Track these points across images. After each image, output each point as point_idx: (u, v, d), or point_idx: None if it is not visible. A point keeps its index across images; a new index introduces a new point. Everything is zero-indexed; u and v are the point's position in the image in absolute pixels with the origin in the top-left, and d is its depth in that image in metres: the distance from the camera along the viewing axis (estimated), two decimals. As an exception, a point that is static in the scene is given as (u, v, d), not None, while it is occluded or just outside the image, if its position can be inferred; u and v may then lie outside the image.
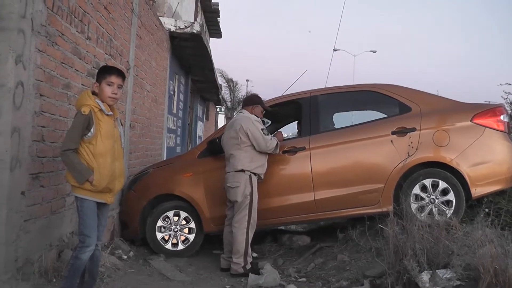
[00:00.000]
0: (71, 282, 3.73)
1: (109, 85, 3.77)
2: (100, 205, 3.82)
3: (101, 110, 3.71)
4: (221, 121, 37.76)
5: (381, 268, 4.61)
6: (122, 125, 4.11)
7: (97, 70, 3.98)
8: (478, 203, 5.61)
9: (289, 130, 8.00)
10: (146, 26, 8.06)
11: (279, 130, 6.26)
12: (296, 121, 7.42)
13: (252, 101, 6.03)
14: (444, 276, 4.02)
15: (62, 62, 4.37)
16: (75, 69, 4.72)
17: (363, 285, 4.63)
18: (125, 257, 5.86)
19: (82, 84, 4.88)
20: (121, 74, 3.87)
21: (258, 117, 5.87)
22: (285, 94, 6.76)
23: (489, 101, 6.39)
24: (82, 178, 3.61)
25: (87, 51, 5.02)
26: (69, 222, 4.80)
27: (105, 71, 3.84)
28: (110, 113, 3.80)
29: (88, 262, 3.79)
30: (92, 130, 3.64)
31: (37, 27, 3.82)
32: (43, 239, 4.23)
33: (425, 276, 4.05)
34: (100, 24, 5.41)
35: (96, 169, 3.64)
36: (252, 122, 5.68)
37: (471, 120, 5.84)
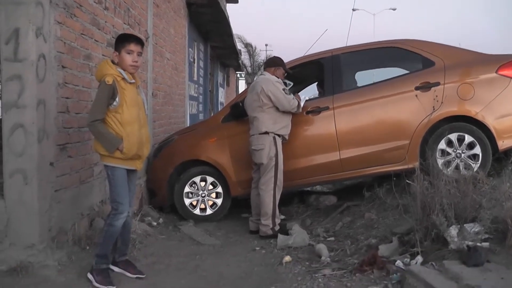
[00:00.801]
0: (106, 248, 3.83)
1: (128, 53, 3.75)
2: (129, 172, 3.87)
3: (123, 78, 3.72)
4: (242, 86, 37.66)
5: (408, 224, 4.60)
6: (143, 93, 4.12)
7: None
8: (505, 156, 5.54)
9: (310, 92, 7.93)
10: (163, -6, 8.00)
11: (297, 93, 6.24)
12: (316, 83, 7.37)
13: (274, 62, 5.98)
14: (472, 230, 3.99)
15: (81, 33, 4.38)
16: (95, 40, 4.73)
17: (392, 242, 4.63)
18: (155, 223, 5.96)
19: (102, 55, 4.90)
20: (140, 42, 3.85)
21: (279, 78, 5.83)
22: (306, 54, 6.69)
23: (515, 53, 6.21)
24: (112, 147, 3.66)
25: (105, 22, 5.02)
26: (98, 191, 4.89)
27: (123, 39, 3.82)
28: (133, 81, 3.80)
29: (120, 229, 3.86)
30: (117, 99, 3.66)
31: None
32: (74, 209, 4.32)
33: (453, 231, 4.02)
34: (116, -7, 5.39)
35: (125, 137, 3.67)
36: (272, 83, 5.64)
37: (496, 72, 5.70)
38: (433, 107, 5.61)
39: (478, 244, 3.86)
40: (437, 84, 5.74)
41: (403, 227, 4.80)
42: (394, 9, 40.09)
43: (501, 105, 5.62)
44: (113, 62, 3.79)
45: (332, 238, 5.49)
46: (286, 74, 5.99)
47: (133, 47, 3.78)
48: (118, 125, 3.68)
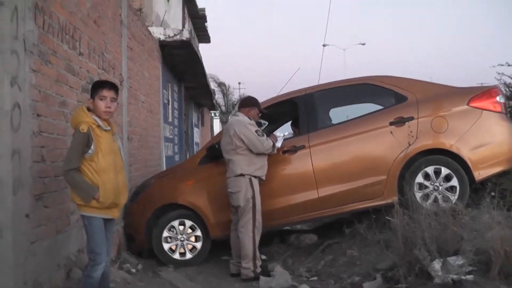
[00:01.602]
0: None
1: (101, 99, 3.74)
2: (106, 221, 3.80)
3: (99, 126, 3.68)
4: (217, 125, 37.75)
5: (391, 260, 4.61)
6: (120, 139, 4.08)
7: (91, 85, 3.95)
8: (482, 186, 5.62)
9: (286, 130, 7.99)
10: (136, 37, 8.04)
11: (272, 133, 6.28)
12: (290, 122, 7.43)
13: (249, 102, 6.01)
14: (456, 263, 4.02)
15: (56, 80, 4.34)
16: (70, 86, 4.70)
17: (376, 279, 4.62)
18: (134, 270, 5.83)
19: (77, 101, 4.85)
20: (113, 87, 3.84)
21: (253, 119, 5.85)
22: (279, 94, 6.75)
23: (482, 83, 6.39)
24: (88, 196, 3.60)
25: (80, 67, 4.99)
26: (75, 240, 4.77)
27: (96, 86, 3.82)
28: (108, 128, 3.77)
29: (99, 279, 3.76)
30: (92, 147, 3.61)
31: (30, 47, 3.79)
32: (50, 260, 4.20)
33: (437, 265, 4.05)
34: (91, 39, 5.38)
35: (101, 186, 3.62)
36: (245, 126, 5.65)
37: (467, 104, 5.84)
38: (408, 142, 5.68)
39: (463, 277, 3.88)
40: (411, 118, 5.84)
41: (386, 263, 4.80)
42: (363, 44, 40.97)
43: (475, 136, 5.74)
44: (88, 109, 3.76)
45: (315, 278, 5.47)
46: (260, 114, 6.02)
47: (105, 92, 3.76)
48: (93, 174, 3.62)
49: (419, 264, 4.13)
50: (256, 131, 5.67)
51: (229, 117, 33.90)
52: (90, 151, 3.61)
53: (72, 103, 4.73)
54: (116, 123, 6.31)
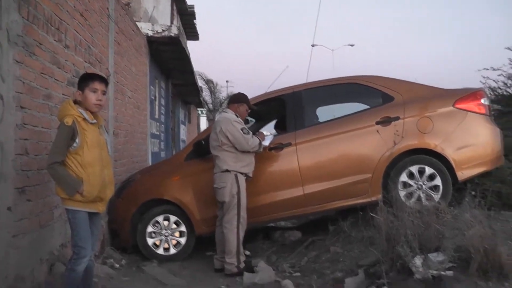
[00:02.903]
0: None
1: (93, 92, 3.71)
2: (92, 215, 3.78)
3: (84, 119, 3.66)
4: (204, 123, 37.68)
5: (374, 256, 4.65)
6: (107, 132, 4.06)
7: (77, 79, 3.92)
8: (465, 186, 5.69)
9: (272, 128, 8.03)
10: (124, 32, 8.00)
11: (260, 131, 6.28)
12: (274, 125, 7.46)
13: (238, 99, 6.01)
14: (436, 259, 4.09)
15: (41, 73, 4.31)
16: (55, 79, 4.66)
17: (358, 274, 4.66)
18: (118, 265, 5.82)
19: (63, 94, 4.82)
20: (104, 80, 3.83)
21: (242, 115, 5.86)
22: (267, 91, 6.76)
23: (468, 86, 6.46)
24: (72, 190, 3.57)
25: (66, 60, 4.96)
26: (59, 234, 4.74)
27: (88, 78, 3.78)
28: (94, 121, 3.75)
29: (82, 274, 3.74)
30: (77, 140, 3.58)
31: (14, 38, 3.75)
32: (33, 254, 4.17)
33: (418, 261, 4.11)
34: (77, 32, 5.35)
35: (85, 180, 3.59)
36: (231, 123, 5.65)
37: (453, 106, 5.91)
38: (394, 141, 5.73)
39: (443, 273, 3.96)
40: (397, 118, 5.88)
41: (369, 259, 4.86)
42: (352, 45, 40.94)
43: (459, 137, 5.81)
44: (75, 102, 3.73)
45: (298, 274, 5.49)
46: (250, 111, 6.03)
47: (97, 85, 3.74)
48: (78, 167, 3.60)
49: (401, 260, 4.18)
50: (242, 129, 5.67)
51: (217, 114, 33.92)
52: (75, 144, 3.58)
53: (57, 96, 4.70)
54: (102, 117, 6.28)
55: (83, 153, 3.60)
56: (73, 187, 3.57)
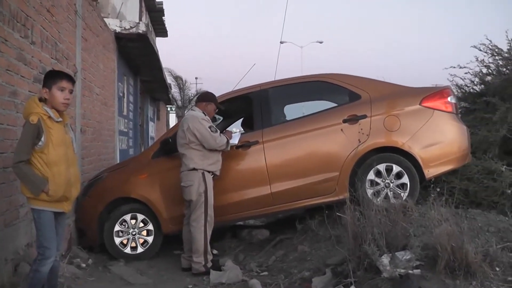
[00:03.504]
0: None
1: (61, 90, 3.66)
2: (57, 215, 3.73)
3: (50, 117, 3.61)
4: (173, 120, 37.39)
5: (341, 255, 4.68)
6: (72, 130, 4.02)
7: (43, 76, 3.87)
8: (432, 184, 5.78)
9: (240, 126, 8.05)
10: (91, 28, 7.90)
11: (227, 129, 6.27)
12: (241, 122, 7.47)
13: (206, 97, 6.00)
14: (404, 257, 4.11)
15: (7, 69, 4.25)
16: (21, 76, 4.60)
17: (325, 273, 4.70)
18: (84, 265, 5.76)
19: (29, 91, 4.75)
20: (71, 79, 3.78)
21: (210, 114, 5.86)
22: (235, 89, 6.76)
23: (436, 84, 6.57)
24: (37, 189, 3.53)
25: (32, 56, 4.89)
26: (24, 234, 4.68)
27: (55, 76, 3.73)
28: (60, 119, 3.70)
29: (47, 274, 3.69)
30: (42, 139, 3.54)
31: (-21, 35, 3.69)
32: (-3, 253, 4.11)
33: (385, 259, 4.13)
34: (44, 28, 5.27)
35: (51, 179, 3.55)
36: (199, 121, 5.64)
37: (420, 104, 5.96)
38: (359, 139, 5.78)
39: (410, 271, 3.99)
40: (364, 116, 5.94)
41: (336, 258, 4.88)
42: (321, 42, 41.29)
43: (426, 136, 5.86)
44: (40, 99, 3.68)
45: (266, 273, 5.50)
46: (217, 110, 6.03)
47: (65, 84, 3.70)
48: (43, 166, 3.55)
49: (368, 259, 4.21)
50: (210, 127, 5.66)
51: (185, 112, 33.67)
52: (40, 143, 3.54)
53: (23, 93, 4.64)
54: (69, 115, 6.18)
55: (48, 151, 3.56)
56: (38, 186, 3.54)
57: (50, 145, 3.56)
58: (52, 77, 3.73)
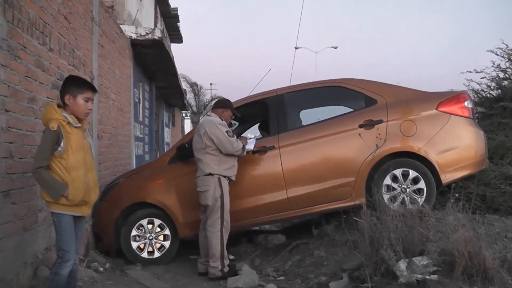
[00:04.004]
0: None
1: (86, 101, 3.74)
2: (76, 218, 3.77)
3: (69, 123, 3.66)
4: (188, 126, 37.57)
5: (358, 260, 4.66)
6: (90, 136, 4.07)
7: (61, 82, 3.91)
8: (448, 189, 5.73)
9: (256, 131, 8.06)
10: (107, 35, 7.98)
11: (242, 135, 6.29)
12: (258, 125, 7.48)
13: (222, 104, 6.04)
14: (421, 263, 4.10)
15: (26, 76, 4.30)
16: (39, 82, 4.65)
17: (342, 278, 4.68)
18: (102, 269, 5.79)
19: (47, 97, 4.81)
20: (95, 90, 3.89)
21: (226, 120, 5.88)
22: (250, 94, 6.78)
23: (452, 89, 6.53)
24: (57, 194, 3.57)
25: (50, 63, 4.95)
26: (43, 238, 4.72)
27: (82, 86, 3.77)
28: (78, 125, 3.75)
29: (67, 277, 3.73)
30: (62, 144, 3.58)
31: (-1, 42, 3.75)
32: (17, 257, 4.15)
33: (402, 265, 4.11)
34: (61, 35, 5.34)
35: (70, 183, 3.59)
36: (216, 126, 5.67)
37: (436, 109, 5.93)
38: (377, 144, 5.76)
39: (427, 277, 3.97)
40: (380, 121, 5.92)
41: (353, 263, 4.87)
42: (335, 47, 41.15)
43: (443, 140, 5.82)
44: (59, 105, 3.73)
45: (282, 278, 5.51)
46: (233, 117, 6.06)
47: (90, 95, 3.78)
48: (63, 171, 3.60)
49: (385, 264, 4.20)
50: (227, 132, 5.69)
51: (200, 117, 33.79)
52: (59, 149, 3.58)
53: (42, 99, 4.69)
54: (87, 121, 6.25)
55: (67, 157, 3.60)
56: (58, 191, 3.58)
57: (69, 150, 3.61)
58: (78, 86, 3.76)
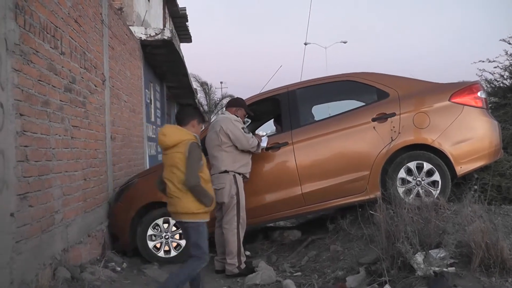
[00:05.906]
0: (184, 283, 4.24)
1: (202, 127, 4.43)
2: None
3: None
4: (199, 125, 37.52)
5: (374, 254, 4.65)
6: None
7: (73, 85, 3.99)
8: (464, 181, 5.69)
9: (268, 127, 8.06)
10: (118, 36, 8.02)
11: (256, 133, 6.30)
12: (273, 119, 7.48)
13: (236, 103, 6.05)
14: (438, 255, 4.08)
15: (39, 80, 4.34)
16: (52, 85, 4.69)
17: (359, 272, 4.68)
18: (119, 269, 5.83)
19: (60, 100, 4.85)
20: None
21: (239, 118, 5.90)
22: (262, 91, 6.78)
23: (463, 80, 6.48)
24: (210, 201, 4.23)
25: (62, 66, 4.99)
26: (60, 239, 4.77)
27: (203, 117, 4.63)
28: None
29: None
30: (202, 160, 4.22)
31: (11, 47, 3.78)
32: (36, 259, 4.19)
33: (419, 257, 4.10)
34: (72, 38, 5.37)
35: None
36: (232, 122, 5.69)
37: (449, 100, 5.90)
38: (391, 137, 5.74)
39: (444, 269, 3.95)
40: (393, 114, 5.90)
41: (369, 257, 4.85)
42: (345, 42, 41.02)
43: (457, 132, 5.79)
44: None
45: (299, 273, 5.50)
46: (247, 115, 6.07)
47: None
48: (203, 183, 4.19)
49: (402, 257, 4.19)
50: (243, 128, 5.71)
51: (212, 116, 33.82)
52: (201, 163, 4.20)
53: (55, 102, 4.73)
54: (99, 122, 6.32)
55: (204, 170, 4.27)
56: (210, 199, 4.22)
57: (205, 165, 4.27)
58: (202, 117, 4.55)
